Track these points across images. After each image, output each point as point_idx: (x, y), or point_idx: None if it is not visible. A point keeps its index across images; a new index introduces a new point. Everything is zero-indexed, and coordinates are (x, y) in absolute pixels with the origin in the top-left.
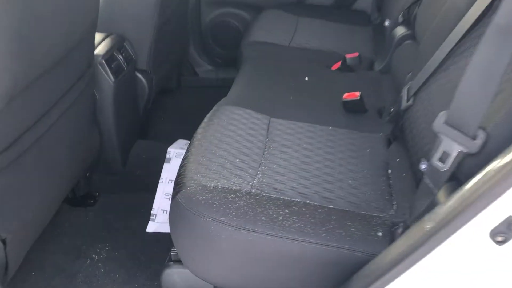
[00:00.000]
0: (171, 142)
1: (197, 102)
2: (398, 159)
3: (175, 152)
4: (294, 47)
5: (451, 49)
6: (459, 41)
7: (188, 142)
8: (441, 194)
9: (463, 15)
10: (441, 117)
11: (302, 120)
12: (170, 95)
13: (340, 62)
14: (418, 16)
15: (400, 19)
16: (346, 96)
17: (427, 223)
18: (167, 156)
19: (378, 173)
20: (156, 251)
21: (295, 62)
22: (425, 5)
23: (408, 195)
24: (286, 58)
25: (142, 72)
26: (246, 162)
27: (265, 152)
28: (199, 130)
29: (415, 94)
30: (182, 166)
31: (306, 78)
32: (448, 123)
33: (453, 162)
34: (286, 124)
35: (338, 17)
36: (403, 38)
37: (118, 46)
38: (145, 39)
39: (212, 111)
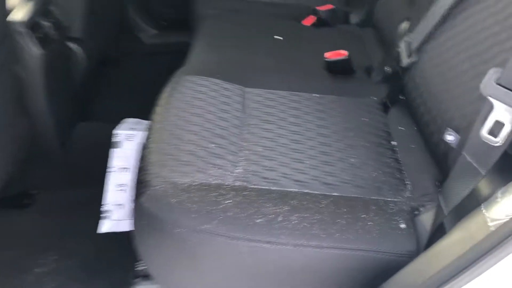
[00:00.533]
0: (119, 120)
1: (145, 73)
2: (401, 127)
3: (125, 135)
4: (256, 0)
5: None
6: None
7: (138, 121)
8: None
9: None
10: (492, 75)
11: (281, 88)
12: (112, 66)
13: (312, 17)
14: None
15: None
16: (330, 55)
17: (489, 219)
18: (115, 140)
19: (381, 145)
20: (114, 257)
21: (261, 19)
22: None
23: (423, 171)
24: (250, 15)
25: (76, 40)
26: (223, 146)
27: (245, 132)
28: (158, 109)
29: (419, 48)
30: (143, 158)
31: (278, 37)
32: (502, 83)
33: (510, 135)
34: (264, 94)
35: None
36: None
37: (42, 10)
38: (77, 2)
39: (170, 83)
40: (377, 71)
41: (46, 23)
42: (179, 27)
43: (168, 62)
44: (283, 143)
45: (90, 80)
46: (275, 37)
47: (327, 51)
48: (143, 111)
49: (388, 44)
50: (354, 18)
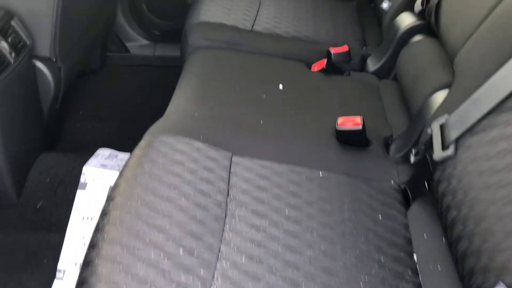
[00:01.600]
0: (92, 149)
1: (129, 88)
2: (425, 236)
3: (93, 174)
4: (259, 32)
5: None
6: None
7: (113, 154)
8: None
9: None
10: None
11: (279, 158)
12: (93, 80)
13: (324, 61)
14: (445, 4)
15: (418, 7)
16: (342, 122)
17: None
18: (82, 179)
19: (399, 262)
20: None
21: (263, 58)
22: None
23: None
24: (250, 50)
25: (44, 60)
26: (196, 252)
27: (227, 228)
28: (126, 173)
29: (459, 140)
30: (99, 228)
31: (281, 86)
32: None
33: None
34: (256, 169)
35: None
36: (412, 30)
37: None
38: (45, 12)
39: (143, 142)
40: (397, 146)
41: (2, 43)
42: (173, 38)
43: (156, 77)
44: (274, 252)
45: (61, 99)
46: (279, 86)
47: (338, 108)
48: (122, 133)
49: (414, 114)
50: (372, 64)
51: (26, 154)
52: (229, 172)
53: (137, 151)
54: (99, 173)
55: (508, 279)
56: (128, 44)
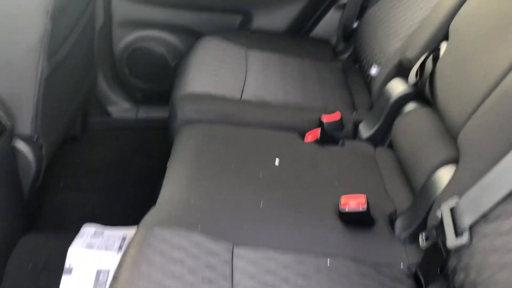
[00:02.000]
0: (76, 226)
1: (112, 155)
2: None
3: (79, 257)
4: (249, 100)
5: None
6: None
7: (99, 230)
8: None
9: None
10: None
11: (283, 245)
12: (73, 148)
13: (317, 130)
14: (441, 76)
15: (412, 78)
16: (345, 202)
17: None
18: (66, 264)
19: None
20: None
21: (255, 130)
22: (452, 58)
23: None
24: (241, 122)
25: (25, 139)
26: None
27: None
28: (120, 278)
29: (473, 227)
30: None
31: (277, 162)
32: None
33: None
34: (260, 262)
35: (297, 48)
36: (406, 98)
37: None
38: (26, 94)
39: (137, 237)
40: (403, 224)
41: None
42: (156, 100)
43: (139, 140)
44: None
45: (42, 177)
46: (275, 162)
47: (338, 184)
48: (107, 205)
49: (417, 190)
50: (365, 131)
51: (6, 239)
52: (232, 267)
53: (132, 249)
54: (86, 256)
55: None
56: (110, 108)
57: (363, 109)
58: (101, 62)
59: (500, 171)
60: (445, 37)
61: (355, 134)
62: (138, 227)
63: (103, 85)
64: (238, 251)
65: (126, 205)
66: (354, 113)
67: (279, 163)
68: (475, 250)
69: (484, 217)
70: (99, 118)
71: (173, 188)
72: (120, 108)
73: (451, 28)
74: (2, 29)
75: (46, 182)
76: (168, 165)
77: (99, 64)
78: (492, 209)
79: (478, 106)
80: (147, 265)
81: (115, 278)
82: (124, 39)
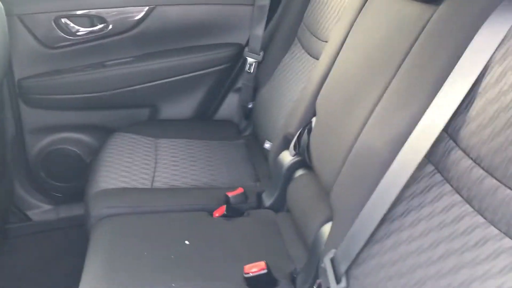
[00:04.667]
0: None
1: (34, 261)
2: None
3: None
4: (160, 188)
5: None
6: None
7: None
8: None
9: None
10: None
11: None
12: None
13: (223, 207)
14: (314, 142)
15: (292, 152)
16: (248, 269)
17: None
18: None
19: None
20: None
21: (166, 216)
22: (320, 132)
23: None
24: (153, 210)
25: None
26: None
27: None
28: None
29: (348, 272)
30: None
31: (187, 242)
32: None
33: None
34: None
35: (204, 131)
36: (294, 166)
37: None
38: None
39: None
40: (302, 279)
41: None
42: (76, 198)
43: (61, 240)
44: None
45: None
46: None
47: (244, 253)
48: None
49: (309, 247)
50: (267, 199)
51: None
52: None
53: None
54: None
55: None
56: (29, 213)
57: (265, 179)
58: (16, 169)
59: (360, 222)
60: (315, 113)
61: (259, 203)
62: None
63: (21, 192)
64: None
65: None
66: (258, 184)
67: (190, 241)
68: None
69: (354, 262)
70: (18, 224)
71: (90, 283)
72: (40, 210)
73: (316, 105)
74: None
75: None
76: (85, 263)
77: (14, 172)
78: (359, 254)
79: (343, 165)
80: None
81: None
82: (38, 145)
